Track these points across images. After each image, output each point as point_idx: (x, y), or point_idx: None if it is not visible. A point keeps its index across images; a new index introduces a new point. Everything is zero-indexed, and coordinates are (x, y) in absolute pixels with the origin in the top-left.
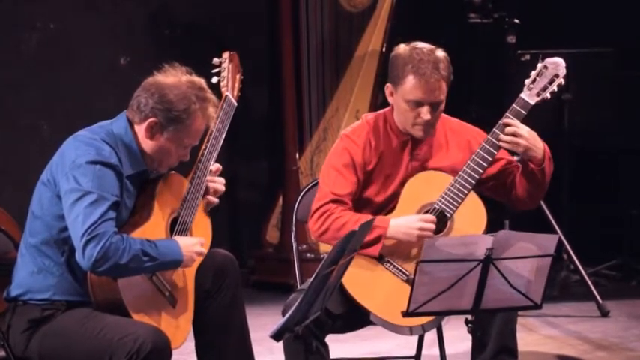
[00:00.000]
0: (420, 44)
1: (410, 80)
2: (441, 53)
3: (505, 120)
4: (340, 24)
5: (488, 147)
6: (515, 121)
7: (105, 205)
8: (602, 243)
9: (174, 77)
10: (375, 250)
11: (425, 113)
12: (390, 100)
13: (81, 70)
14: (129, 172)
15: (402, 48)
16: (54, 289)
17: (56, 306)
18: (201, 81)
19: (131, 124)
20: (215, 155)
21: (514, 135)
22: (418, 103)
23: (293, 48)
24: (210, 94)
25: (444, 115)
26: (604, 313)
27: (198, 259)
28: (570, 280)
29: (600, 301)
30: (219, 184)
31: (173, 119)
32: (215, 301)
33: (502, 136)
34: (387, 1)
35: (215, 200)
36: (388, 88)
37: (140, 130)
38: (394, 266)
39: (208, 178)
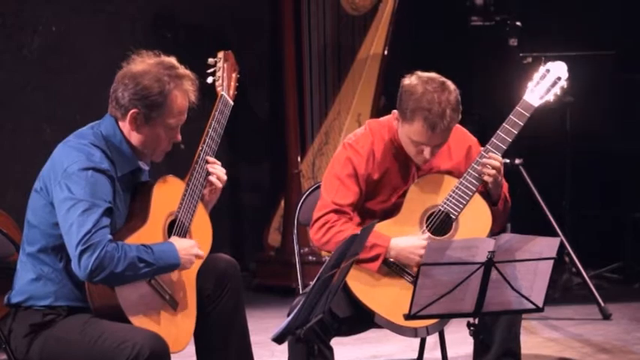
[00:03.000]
0: (433, 81)
1: (417, 125)
2: (452, 96)
3: (500, 137)
4: (342, 27)
5: (491, 148)
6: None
7: (98, 212)
8: (604, 246)
9: (142, 63)
10: (374, 266)
11: (427, 153)
12: (394, 123)
13: (83, 73)
14: (120, 173)
15: (414, 81)
16: (54, 296)
17: (57, 311)
18: (171, 60)
19: (117, 121)
20: (212, 155)
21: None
22: (422, 144)
23: (295, 51)
24: (182, 70)
25: None
26: (606, 316)
27: (199, 262)
28: (572, 283)
29: (602, 304)
30: (220, 171)
31: (152, 105)
32: (217, 307)
33: (491, 155)
34: (388, 5)
35: (219, 184)
36: (395, 114)
37: (125, 125)
38: (400, 268)
39: (208, 166)
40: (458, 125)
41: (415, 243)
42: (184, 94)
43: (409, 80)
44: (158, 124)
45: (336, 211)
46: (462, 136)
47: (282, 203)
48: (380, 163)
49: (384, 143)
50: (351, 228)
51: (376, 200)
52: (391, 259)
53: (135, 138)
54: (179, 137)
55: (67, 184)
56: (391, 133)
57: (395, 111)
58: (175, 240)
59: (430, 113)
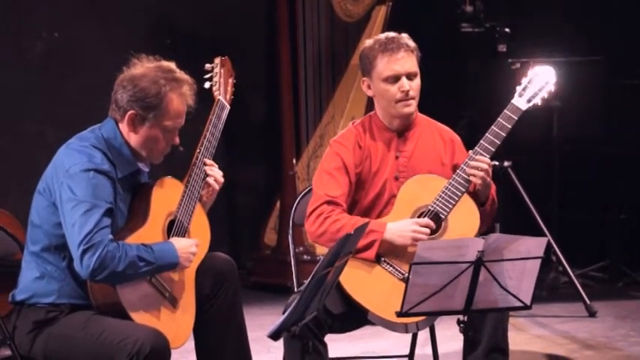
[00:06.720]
0: (382, 34)
1: (381, 59)
2: (403, 34)
3: (490, 137)
4: (336, 33)
5: (480, 151)
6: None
7: (99, 212)
8: (590, 246)
9: (142, 67)
10: (371, 253)
11: (404, 84)
12: (369, 93)
13: (84, 78)
14: (121, 175)
15: (366, 43)
16: (57, 294)
17: (60, 309)
18: (170, 64)
19: (117, 123)
20: (210, 158)
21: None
22: (395, 78)
23: (290, 56)
24: (180, 74)
25: (429, 118)
26: (591, 314)
27: (197, 260)
28: (559, 281)
29: (588, 301)
30: (217, 173)
31: (148, 106)
32: (214, 305)
33: (479, 157)
34: (381, 12)
35: (216, 185)
36: (364, 82)
37: (124, 126)
38: (391, 265)
39: (205, 168)
40: (441, 124)
41: (407, 222)
42: (181, 98)
43: (362, 48)
44: (155, 125)
45: (329, 202)
46: (444, 132)
47: (278, 204)
48: (364, 150)
49: (366, 131)
50: (346, 218)
51: (360, 190)
52: (384, 258)
53: (133, 139)
54: (177, 140)
55: (69, 184)
56: (372, 120)
57: (364, 79)
58: (174, 239)
59: (386, 40)
